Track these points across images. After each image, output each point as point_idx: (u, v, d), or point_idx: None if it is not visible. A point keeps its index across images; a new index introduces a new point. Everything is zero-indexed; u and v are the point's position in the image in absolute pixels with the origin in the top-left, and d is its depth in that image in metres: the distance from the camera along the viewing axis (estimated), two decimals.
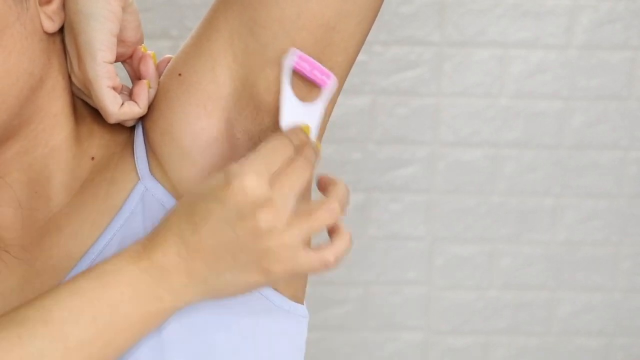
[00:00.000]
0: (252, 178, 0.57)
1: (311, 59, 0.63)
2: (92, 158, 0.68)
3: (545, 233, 1.75)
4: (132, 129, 0.70)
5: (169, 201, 0.65)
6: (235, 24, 0.64)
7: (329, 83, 0.64)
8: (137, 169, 0.66)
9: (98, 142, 0.69)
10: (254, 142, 0.66)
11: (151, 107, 0.68)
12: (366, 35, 0.67)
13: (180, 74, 0.66)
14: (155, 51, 0.70)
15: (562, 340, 1.80)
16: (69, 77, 0.67)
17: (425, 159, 1.71)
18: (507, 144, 1.71)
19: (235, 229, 0.57)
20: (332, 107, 0.69)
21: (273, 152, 0.59)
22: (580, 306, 1.78)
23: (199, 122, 0.65)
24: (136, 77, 0.69)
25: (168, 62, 0.70)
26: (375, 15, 0.66)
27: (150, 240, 0.60)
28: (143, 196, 0.65)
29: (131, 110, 0.65)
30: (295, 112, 0.63)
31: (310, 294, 0.75)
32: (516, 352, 1.80)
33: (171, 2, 1.63)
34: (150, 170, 0.66)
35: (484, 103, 1.69)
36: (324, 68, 0.64)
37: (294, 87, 0.63)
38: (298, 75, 0.64)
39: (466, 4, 1.65)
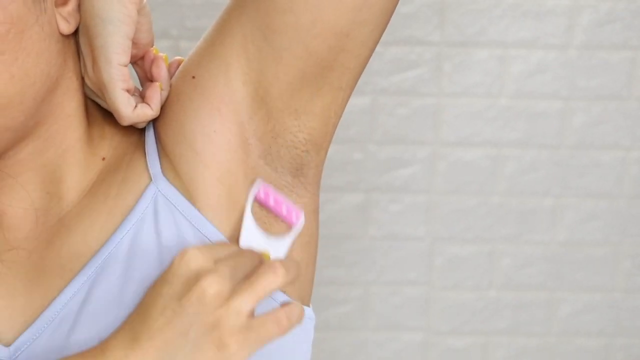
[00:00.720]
0: (193, 251, 0.58)
1: (278, 195, 0.64)
2: (103, 159, 0.68)
3: (546, 233, 1.75)
4: (142, 130, 0.69)
5: (180, 203, 0.65)
6: (249, 28, 0.63)
7: (298, 222, 0.64)
8: (149, 170, 0.66)
9: (109, 143, 0.69)
10: (265, 147, 0.65)
11: (163, 109, 0.67)
12: (378, 41, 0.67)
13: (193, 77, 0.66)
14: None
15: (562, 341, 1.80)
16: (82, 78, 0.67)
17: (426, 159, 1.71)
18: (508, 144, 1.71)
19: (181, 300, 0.56)
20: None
21: (218, 245, 0.60)
22: (580, 306, 1.78)
23: (213, 125, 0.64)
24: (146, 79, 0.69)
25: (179, 64, 0.70)
26: (387, 22, 0.66)
27: (104, 340, 0.59)
28: (155, 197, 0.65)
29: (144, 113, 0.65)
30: (256, 241, 0.63)
31: None
32: (516, 353, 1.80)
33: (171, 2, 1.62)
34: (162, 171, 0.66)
35: (484, 103, 1.69)
36: (292, 206, 0.64)
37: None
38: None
39: (466, 4, 1.65)
